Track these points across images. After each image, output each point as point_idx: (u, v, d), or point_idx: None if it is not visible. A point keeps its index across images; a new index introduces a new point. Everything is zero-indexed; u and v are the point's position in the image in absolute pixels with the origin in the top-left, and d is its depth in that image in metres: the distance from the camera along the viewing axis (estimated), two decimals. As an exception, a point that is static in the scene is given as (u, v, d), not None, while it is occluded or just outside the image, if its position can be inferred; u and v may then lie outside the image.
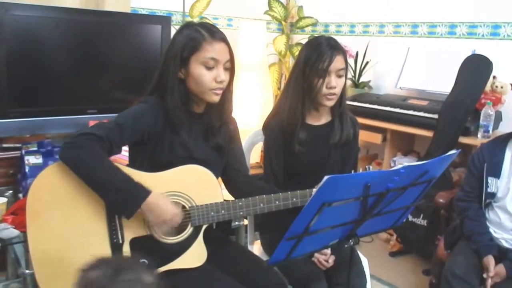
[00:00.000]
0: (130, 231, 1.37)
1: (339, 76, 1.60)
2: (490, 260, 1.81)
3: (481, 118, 2.53)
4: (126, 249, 1.36)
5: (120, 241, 1.36)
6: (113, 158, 1.36)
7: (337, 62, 1.58)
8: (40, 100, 2.32)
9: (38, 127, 2.32)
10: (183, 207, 1.42)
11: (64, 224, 1.32)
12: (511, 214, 1.89)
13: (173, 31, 2.59)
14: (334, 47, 1.59)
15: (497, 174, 1.93)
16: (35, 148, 2.25)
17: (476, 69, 2.59)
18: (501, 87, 2.63)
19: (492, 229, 1.93)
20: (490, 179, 1.93)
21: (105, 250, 1.35)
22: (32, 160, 2.20)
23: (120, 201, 1.31)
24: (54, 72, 2.34)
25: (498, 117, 2.63)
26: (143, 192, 1.30)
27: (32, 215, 1.30)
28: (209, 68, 1.40)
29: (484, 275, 1.80)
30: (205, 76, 1.40)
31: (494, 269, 1.79)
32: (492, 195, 1.93)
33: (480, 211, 1.96)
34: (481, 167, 1.96)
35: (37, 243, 1.30)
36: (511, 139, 1.96)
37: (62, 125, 2.37)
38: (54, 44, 2.31)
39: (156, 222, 1.34)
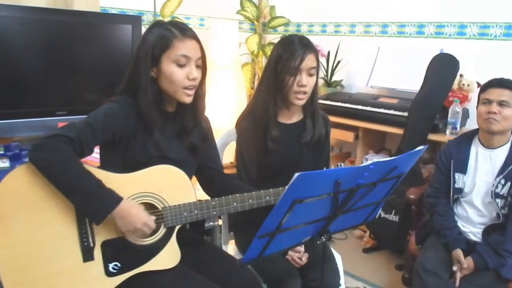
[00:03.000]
0: (101, 234, 1.34)
1: (310, 75, 1.62)
2: (459, 253, 1.86)
3: (449, 115, 2.60)
4: (97, 253, 1.34)
5: (91, 244, 1.33)
6: (83, 160, 1.33)
7: (309, 61, 1.59)
8: (7, 102, 2.25)
9: (4, 130, 2.25)
10: (156, 207, 1.40)
11: (32, 228, 1.28)
12: (478, 209, 1.95)
13: (144, 31, 2.56)
14: (306, 46, 1.60)
15: (463, 170, 1.98)
16: (2, 152, 2.20)
17: (443, 68, 2.65)
18: (468, 85, 2.71)
19: (460, 224, 1.99)
20: (457, 175, 1.99)
21: (76, 254, 1.32)
22: (-1, 163, 2.14)
23: (90, 206, 1.28)
24: (21, 73, 2.28)
25: (465, 115, 2.70)
26: (114, 199, 1.28)
27: (-2, 220, 1.26)
28: (180, 66, 1.39)
29: (454, 268, 1.86)
30: (177, 74, 1.39)
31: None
32: (459, 191, 1.99)
33: (448, 206, 2.01)
34: (448, 163, 2.01)
35: (4, 249, 1.26)
36: (476, 136, 2.02)
37: (30, 128, 2.30)
38: (20, 45, 2.24)
39: (126, 229, 1.32)
